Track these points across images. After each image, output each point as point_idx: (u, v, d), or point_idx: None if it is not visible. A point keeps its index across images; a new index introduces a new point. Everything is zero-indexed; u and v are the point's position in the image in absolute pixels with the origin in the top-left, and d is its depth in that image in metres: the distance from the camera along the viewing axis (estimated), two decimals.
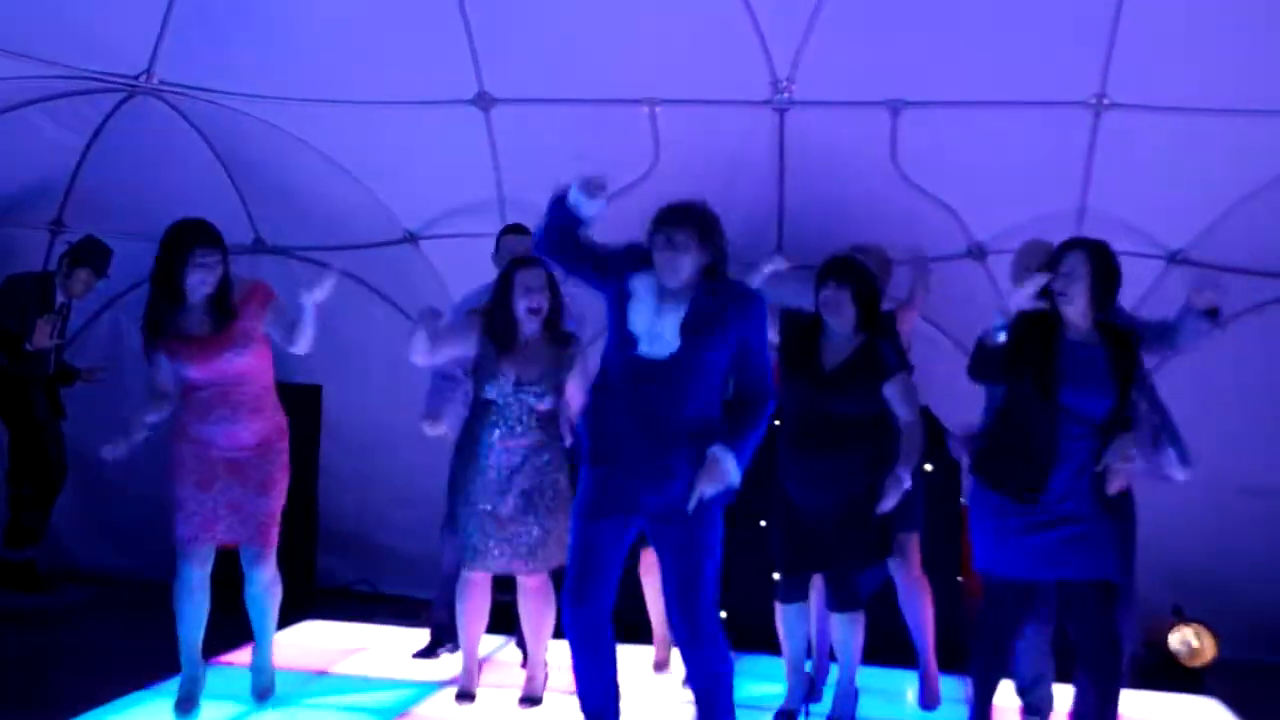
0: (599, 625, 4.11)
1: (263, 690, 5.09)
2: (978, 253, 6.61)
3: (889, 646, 5.85)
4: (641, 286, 4.09)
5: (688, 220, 4.07)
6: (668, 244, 4.04)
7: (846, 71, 6.15)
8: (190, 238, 4.73)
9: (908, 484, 4.69)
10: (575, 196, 4.02)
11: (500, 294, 4.99)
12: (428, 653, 5.93)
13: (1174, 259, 6.49)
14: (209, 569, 4.87)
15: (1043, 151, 6.23)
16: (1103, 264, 4.40)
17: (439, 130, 6.66)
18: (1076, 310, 4.39)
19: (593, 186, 4.01)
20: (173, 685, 5.15)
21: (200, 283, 4.68)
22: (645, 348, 4.02)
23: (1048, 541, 4.26)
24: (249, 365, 4.77)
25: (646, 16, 6.07)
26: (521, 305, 4.93)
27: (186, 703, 4.88)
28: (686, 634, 4.06)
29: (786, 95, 6.27)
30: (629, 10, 6.08)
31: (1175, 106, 5.94)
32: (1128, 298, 6.42)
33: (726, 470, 3.94)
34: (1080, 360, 4.35)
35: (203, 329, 4.71)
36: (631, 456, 4.03)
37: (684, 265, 4.05)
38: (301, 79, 6.46)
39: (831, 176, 6.55)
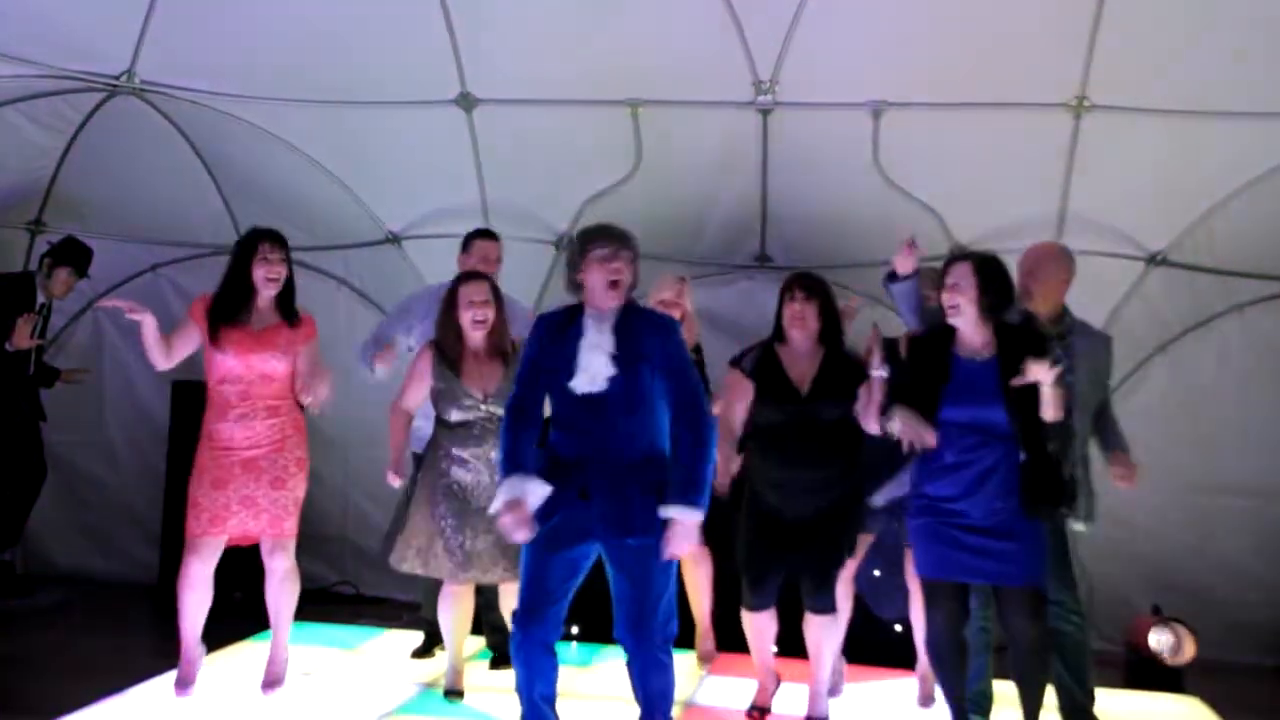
0: (546, 650, 4.13)
1: (272, 681, 5.15)
2: (960, 254, 6.61)
3: (880, 650, 5.91)
4: (578, 334, 4.12)
5: (624, 237, 4.14)
6: (616, 257, 4.10)
7: (829, 73, 6.17)
8: (259, 236, 5.11)
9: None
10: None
11: (446, 309, 5.13)
12: (425, 651, 5.95)
13: (1154, 261, 6.52)
14: (213, 565, 5.05)
15: (1024, 153, 6.25)
16: (990, 274, 4.41)
17: (421, 131, 6.65)
18: (967, 322, 4.42)
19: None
20: (151, 686, 5.17)
21: (264, 278, 5.02)
22: (583, 385, 4.05)
23: (973, 547, 4.32)
24: (277, 370, 5.05)
25: (629, 17, 6.08)
26: (466, 317, 5.06)
27: (184, 684, 5.06)
28: (634, 653, 4.10)
29: (769, 97, 6.28)
30: (612, 11, 6.09)
31: (1155, 109, 5.97)
32: (1109, 300, 6.51)
33: (690, 530, 3.96)
34: (966, 374, 4.38)
35: (259, 325, 5.03)
36: (588, 490, 4.07)
37: (627, 282, 4.10)
38: (284, 79, 6.45)
39: (814, 178, 6.57)
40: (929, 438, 4.39)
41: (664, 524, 3.99)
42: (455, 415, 5.07)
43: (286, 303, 5.12)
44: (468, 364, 5.09)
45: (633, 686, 4.16)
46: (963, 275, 4.43)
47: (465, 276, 5.21)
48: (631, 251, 4.14)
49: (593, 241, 4.14)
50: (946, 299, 4.44)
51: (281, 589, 5.14)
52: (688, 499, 3.97)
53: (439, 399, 5.10)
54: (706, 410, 4.10)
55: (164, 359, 5.00)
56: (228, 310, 5.03)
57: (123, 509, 7.66)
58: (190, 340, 5.06)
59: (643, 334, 4.09)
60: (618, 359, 4.05)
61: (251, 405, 5.02)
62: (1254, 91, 5.84)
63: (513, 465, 4.07)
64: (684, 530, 3.96)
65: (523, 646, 4.11)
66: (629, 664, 4.14)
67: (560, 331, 4.14)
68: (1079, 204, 6.35)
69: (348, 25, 6.17)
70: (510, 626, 5.01)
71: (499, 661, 5.67)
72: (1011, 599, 4.39)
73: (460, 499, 5.03)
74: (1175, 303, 6.65)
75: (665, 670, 4.13)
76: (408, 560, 5.12)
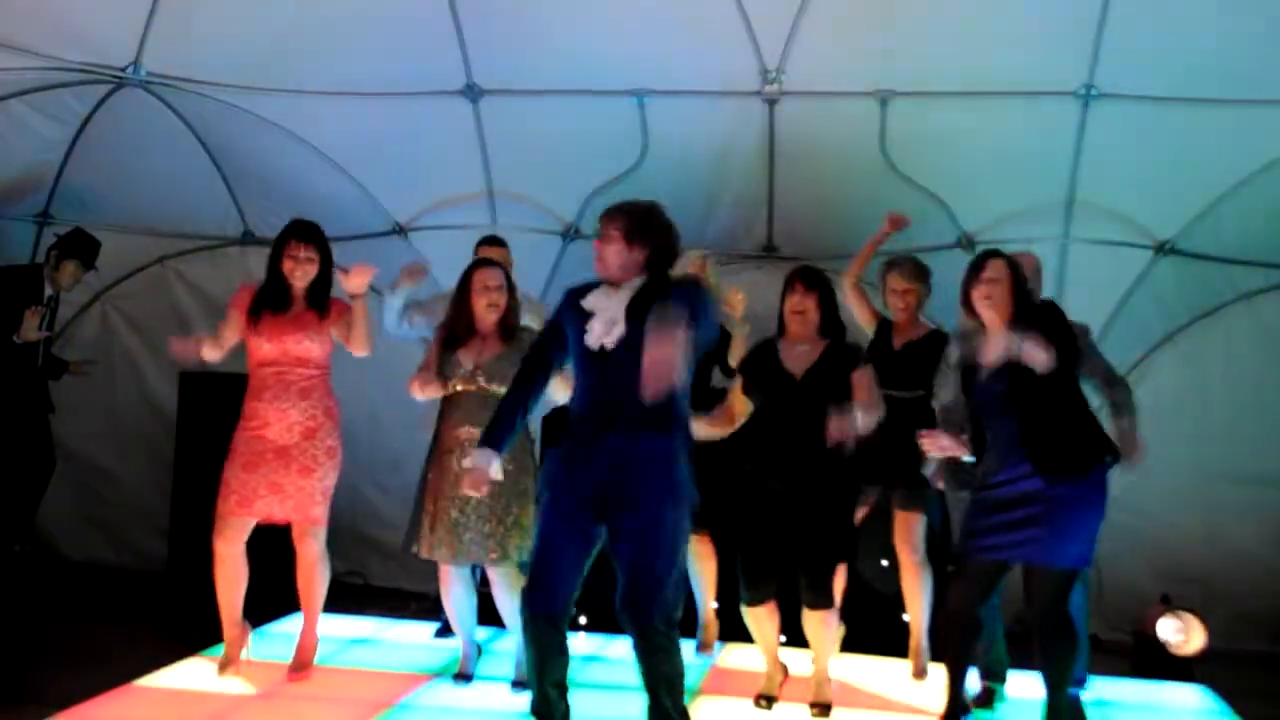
0: (557, 628, 4.05)
1: (300, 665, 5.24)
2: (967, 243, 6.61)
3: (880, 638, 5.92)
4: (592, 303, 4.11)
5: (619, 215, 4.13)
6: (597, 235, 4.15)
7: (835, 62, 6.16)
8: (289, 231, 5.24)
9: (855, 428, 4.75)
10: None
11: (460, 293, 5.21)
12: (447, 631, 5.98)
13: (1162, 249, 6.51)
14: (241, 545, 5.17)
15: (1031, 142, 6.24)
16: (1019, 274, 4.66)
17: (427, 122, 6.65)
18: (998, 315, 4.59)
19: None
20: (162, 676, 5.20)
21: (291, 272, 5.15)
22: (596, 339, 4.03)
23: (1005, 524, 4.49)
24: (310, 352, 5.17)
25: (635, 7, 6.07)
26: (481, 302, 5.13)
27: (226, 665, 5.22)
28: (633, 634, 4.02)
29: (776, 86, 6.27)
30: (617, 1, 6.07)
31: (1163, 97, 5.96)
32: (1116, 288, 6.50)
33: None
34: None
35: (290, 312, 5.16)
36: (592, 452, 4.03)
37: (610, 256, 4.09)
38: (289, 70, 6.44)
39: (821, 167, 6.56)
40: (964, 451, 4.64)
41: (667, 500, 3.98)
42: (449, 387, 5.16)
43: (316, 295, 5.20)
44: (471, 341, 5.16)
45: (638, 670, 4.10)
46: (999, 270, 4.60)
47: (480, 263, 5.31)
48: (618, 226, 4.10)
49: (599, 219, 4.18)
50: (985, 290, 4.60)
51: (310, 575, 5.23)
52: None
53: (440, 371, 5.18)
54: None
55: (218, 352, 5.19)
56: (269, 300, 5.17)
57: (131, 500, 7.67)
58: (235, 328, 5.21)
59: (659, 297, 3.99)
60: (629, 317, 4.00)
61: (285, 387, 5.14)
62: (1261, 79, 5.82)
63: (489, 435, 4.16)
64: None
65: (532, 626, 4.03)
66: (632, 646, 4.07)
67: (582, 299, 4.13)
68: (1086, 193, 6.34)
69: (353, 17, 6.17)
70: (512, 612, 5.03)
71: None
72: (1034, 579, 4.53)
73: (451, 482, 5.04)
74: (1183, 292, 6.64)
75: (668, 654, 4.04)
76: (415, 544, 5.19)
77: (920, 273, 5.64)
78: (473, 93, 6.53)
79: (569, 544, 4.06)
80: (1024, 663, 5.06)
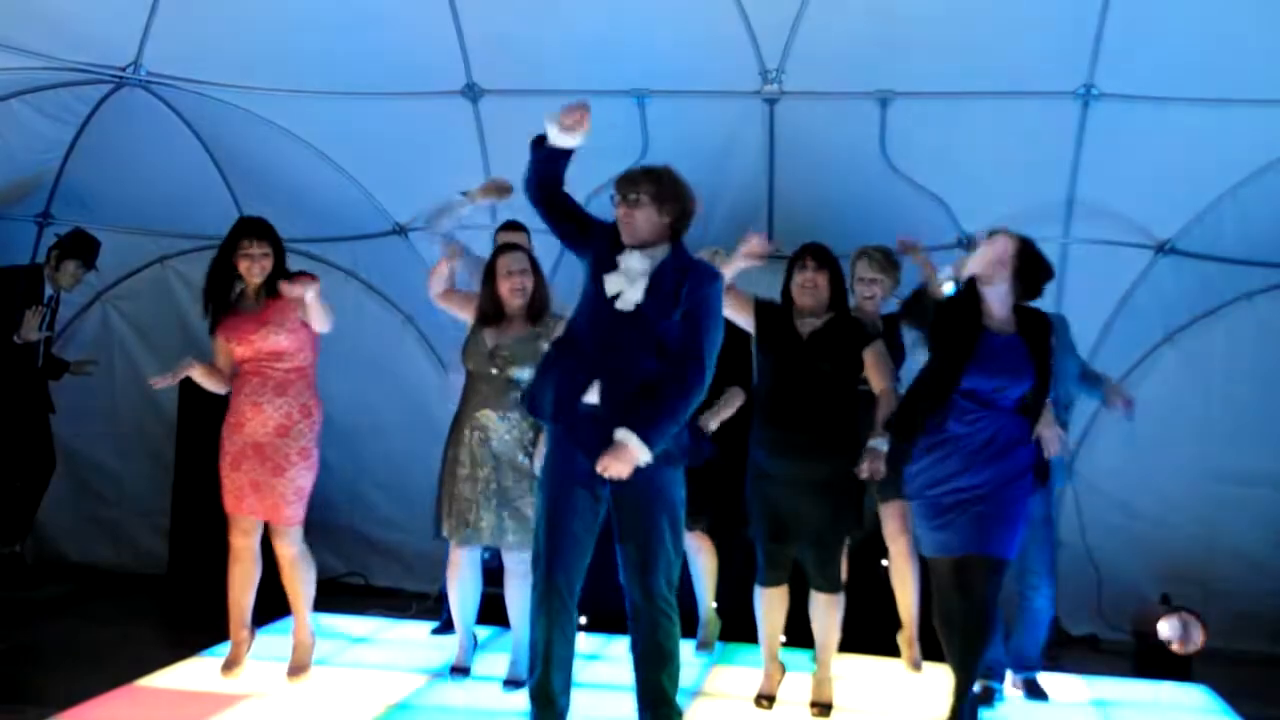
0: (569, 601, 4.05)
1: (297, 668, 5.25)
2: (968, 243, 6.59)
3: (880, 638, 5.92)
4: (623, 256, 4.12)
5: (645, 179, 4.15)
6: (623, 200, 4.13)
7: (835, 62, 6.15)
8: (240, 229, 5.28)
9: (883, 449, 4.84)
10: (551, 133, 4.09)
11: (486, 279, 5.27)
12: (446, 628, 5.99)
13: (1163, 249, 6.51)
14: (254, 538, 5.21)
15: (1032, 142, 6.24)
16: (1027, 256, 4.61)
17: (428, 122, 6.65)
18: (997, 295, 4.59)
19: (568, 120, 4.05)
20: (162, 676, 5.20)
21: (248, 270, 5.16)
22: (616, 300, 4.05)
23: (964, 521, 4.50)
24: (284, 345, 5.14)
25: (635, 8, 6.07)
26: (505, 286, 5.20)
27: (230, 666, 5.23)
28: (639, 604, 4.05)
29: (776, 86, 6.27)
30: (617, 1, 6.07)
31: (1163, 96, 5.95)
32: (1117, 288, 6.50)
33: (632, 452, 3.89)
34: (991, 346, 4.53)
35: (252, 309, 5.16)
36: (592, 414, 4.02)
37: (640, 220, 4.10)
38: (289, 70, 6.45)
39: (821, 167, 6.56)
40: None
41: (660, 471, 4.00)
42: (470, 364, 5.22)
43: (272, 286, 5.16)
44: (495, 321, 5.22)
45: (637, 651, 4.09)
46: (1004, 251, 4.58)
47: (503, 248, 5.37)
48: (647, 191, 4.11)
49: (617, 186, 4.16)
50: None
51: (292, 575, 5.23)
52: (640, 429, 3.90)
53: (464, 348, 5.26)
54: (703, 367, 4.03)
55: (226, 384, 5.22)
56: (221, 301, 5.17)
57: (132, 500, 7.68)
58: (223, 352, 5.23)
59: (680, 275, 4.07)
60: (652, 285, 4.04)
61: (263, 382, 5.14)
62: (1261, 79, 5.82)
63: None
64: (620, 453, 3.89)
65: (541, 597, 4.02)
66: (632, 621, 4.09)
67: (610, 239, 4.13)
68: (1086, 192, 6.34)
69: (353, 16, 6.17)
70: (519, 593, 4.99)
71: None
72: (971, 570, 4.50)
73: (470, 464, 5.12)
74: (1184, 291, 6.64)
75: (670, 625, 4.06)
76: (440, 525, 5.24)
77: (889, 264, 5.55)
78: (473, 93, 6.53)
79: (579, 515, 4.06)
80: None
